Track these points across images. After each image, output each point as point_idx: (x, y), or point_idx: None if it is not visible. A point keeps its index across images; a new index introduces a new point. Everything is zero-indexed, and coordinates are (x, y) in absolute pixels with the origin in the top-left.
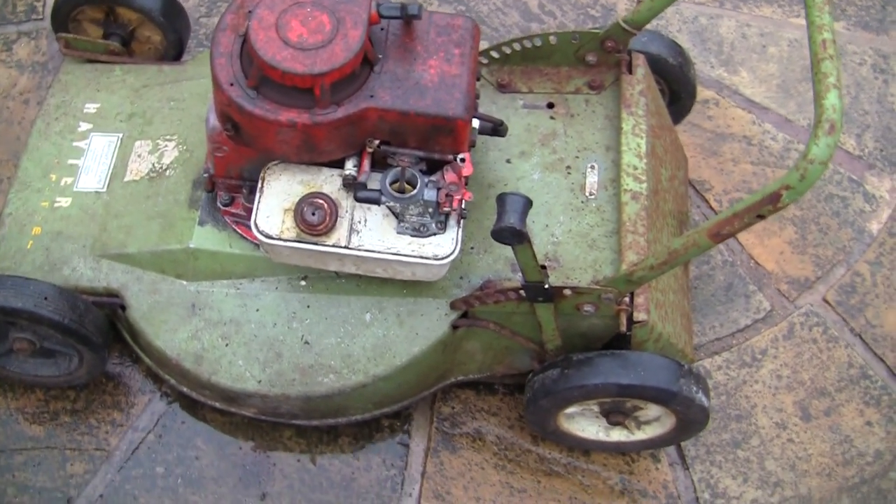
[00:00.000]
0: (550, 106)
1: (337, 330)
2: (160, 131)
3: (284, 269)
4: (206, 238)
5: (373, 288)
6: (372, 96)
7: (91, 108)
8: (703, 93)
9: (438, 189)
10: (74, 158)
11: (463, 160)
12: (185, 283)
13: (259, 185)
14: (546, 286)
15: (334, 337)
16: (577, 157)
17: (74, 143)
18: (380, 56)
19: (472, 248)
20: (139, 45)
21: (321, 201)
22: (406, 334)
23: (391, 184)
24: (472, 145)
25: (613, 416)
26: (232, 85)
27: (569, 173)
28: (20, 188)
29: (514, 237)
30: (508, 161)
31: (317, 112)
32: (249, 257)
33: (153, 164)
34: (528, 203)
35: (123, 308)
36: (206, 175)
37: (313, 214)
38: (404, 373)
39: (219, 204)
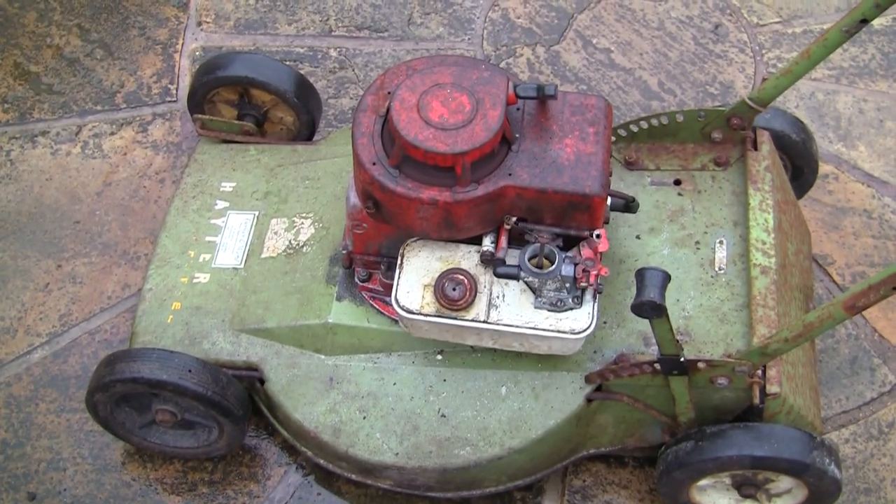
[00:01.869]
0: (678, 183)
1: (473, 403)
2: (296, 209)
3: (421, 344)
4: (344, 313)
5: (508, 362)
6: (510, 174)
7: (227, 186)
8: (822, 167)
9: (575, 265)
10: (212, 235)
11: (598, 236)
12: (323, 357)
13: (399, 262)
14: (682, 359)
15: (470, 410)
16: (706, 232)
17: (212, 221)
18: (517, 135)
19: (605, 322)
20: (272, 125)
21: (461, 276)
22: (541, 407)
23: (529, 259)
24: (607, 221)
25: (745, 488)
26: (374, 164)
27: (698, 248)
28: (159, 264)
29: (654, 311)
30: (638, 237)
31: (457, 190)
32: (387, 332)
33: (290, 241)
34: (668, 278)
35: (262, 381)
36: (344, 251)
37: (454, 290)
38: (539, 445)
39: (356, 280)
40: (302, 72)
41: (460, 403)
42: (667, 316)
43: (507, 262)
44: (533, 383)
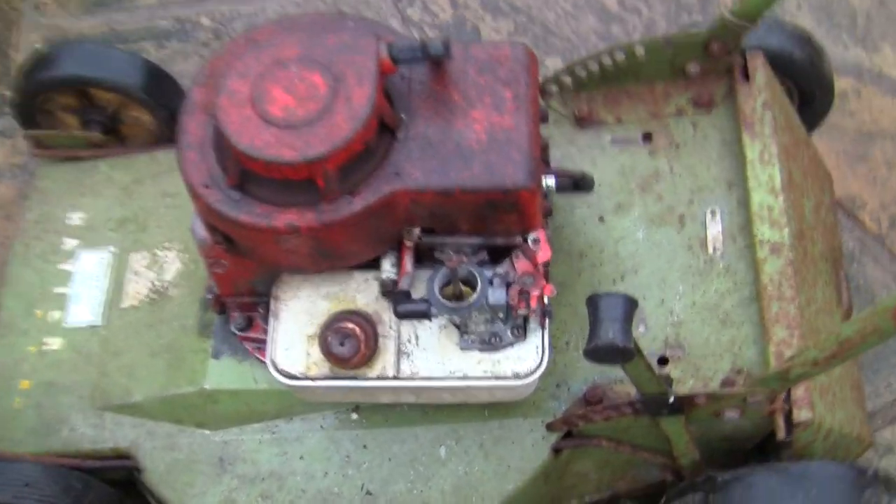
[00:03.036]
0: (647, 138)
1: (405, 472)
2: (157, 238)
3: (329, 403)
4: (224, 374)
5: (444, 414)
6: (398, 174)
7: (75, 218)
8: (837, 83)
9: (508, 285)
10: (61, 286)
11: (536, 241)
12: (207, 433)
13: (272, 308)
14: (670, 399)
15: (403, 482)
16: (692, 201)
17: (60, 266)
18: (403, 116)
19: (567, 342)
20: (128, 128)
21: (350, 325)
22: (494, 469)
23: (442, 288)
24: (548, 214)
25: None
26: (208, 187)
27: (683, 225)
28: (2, 332)
29: (618, 356)
30: (602, 219)
31: (324, 208)
32: (282, 393)
33: (153, 283)
34: (632, 305)
35: (139, 471)
36: (209, 296)
37: (342, 345)
38: None
39: (233, 329)
40: (169, 50)
41: (389, 474)
42: (639, 354)
43: (417, 292)
44: (480, 438)
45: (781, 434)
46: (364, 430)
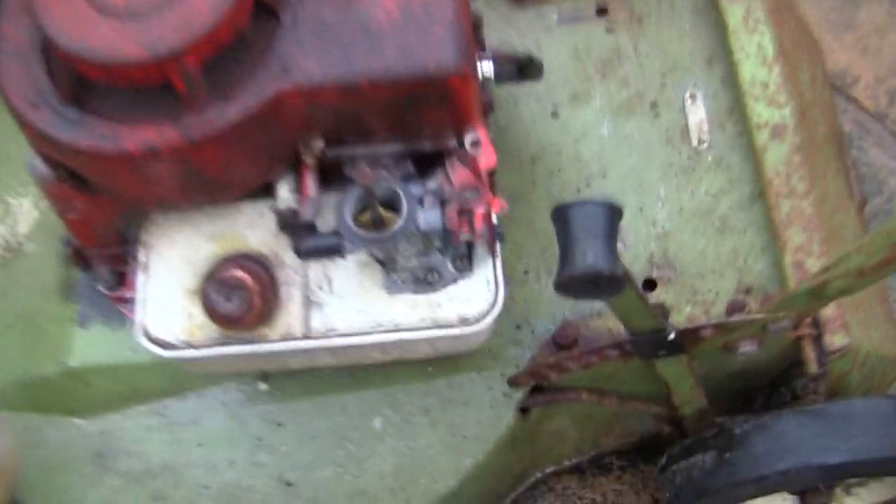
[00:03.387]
0: (602, 12)
1: (332, 454)
2: (9, 183)
3: (230, 374)
4: (94, 346)
5: (376, 376)
6: (286, 69)
7: None
8: None
9: (443, 204)
10: None
11: (477, 142)
12: (80, 422)
13: (140, 258)
14: (669, 336)
15: (330, 466)
16: (664, 84)
17: None
18: None
19: (525, 271)
20: None
21: (239, 274)
22: (446, 440)
23: (357, 214)
24: (489, 109)
25: (812, 496)
26: (36, 106)
27: (656, 114)
28: None
29: (603, 287)
30: (555, 114)
31: (189, 122)
32: (169, 365)
33: (5, 239)
34: (615, 215)
35: None
36: (66, 248)
37: (228, 301)
38: (455, 499)
39: (101, 288)
40: None
41: (312, 458)
42: (631, 284)
43: (323, 225)
44: (425, 403)
45: (813, 366)
46: (277, 405)
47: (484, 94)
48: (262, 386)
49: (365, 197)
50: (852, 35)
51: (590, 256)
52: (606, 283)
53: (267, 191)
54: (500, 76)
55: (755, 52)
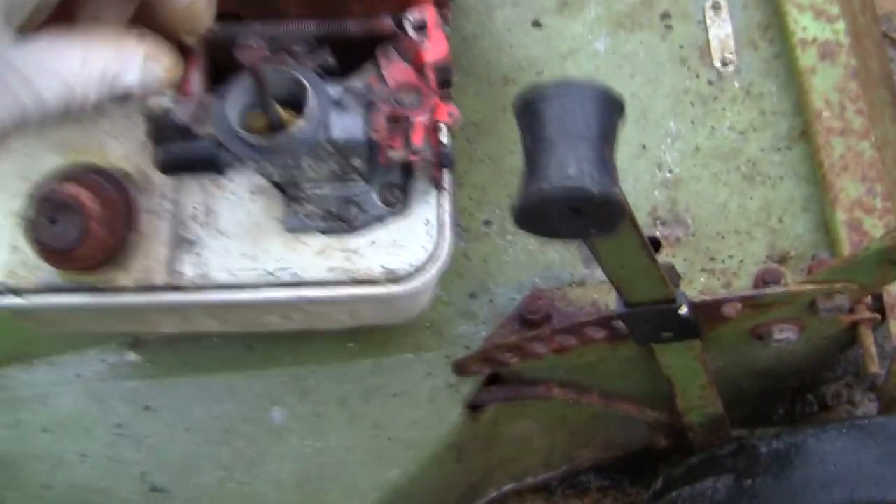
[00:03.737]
0: None
1: (215, 453)
2: None
3: (90, 336)
4: None
5: (279, 351)
6: None
7: None
8: None
9: (369, 107)
10: None
11: (422, 25)
12: None
13: None
14: (681, 310)
15: (211, 470)
16: None
17: None
18: None
19: (487, 221)
20: None
21: (71, 190)
22: (367, 443)
23: (245, 111)
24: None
25: None
26: None
27: (669, 28)
28: None
29: (594, 218)
30: (537, 23)
31: None
32: (8, 320)
33: None
34: (613, 108)
35: None
36: None
37: (53, 224)
38: None
39: None
40: None
41: (187, 457)
42: (632, 222)
43: (201, 126)
44: (341, 391)
45: (873, 363)
46: (147, 382)
47: None
48: (131, 356)
49: (255, 87)
50: None
51: (571, 166)
52: (595, 211)
53: None
54: None
55: None
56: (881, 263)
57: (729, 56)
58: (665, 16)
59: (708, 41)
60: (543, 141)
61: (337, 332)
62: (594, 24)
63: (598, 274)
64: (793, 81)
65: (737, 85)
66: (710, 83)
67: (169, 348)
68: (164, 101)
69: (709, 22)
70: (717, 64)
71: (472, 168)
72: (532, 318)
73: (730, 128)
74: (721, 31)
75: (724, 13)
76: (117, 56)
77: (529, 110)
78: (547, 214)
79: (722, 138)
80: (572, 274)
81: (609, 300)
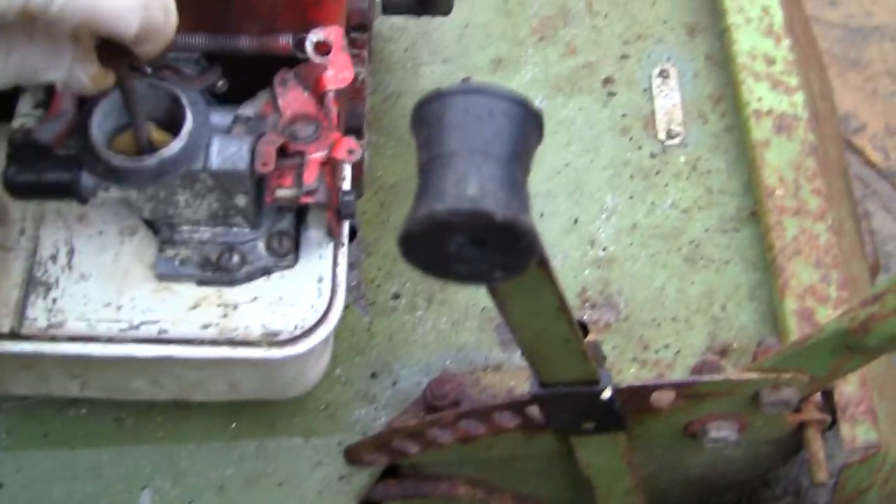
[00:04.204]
0: None
1: None
2: None
3: None
4: None
5: (154, 425)
6: None
7: None
8: None
9: (259, 138)
10: None
11: (323, 46)
12: None
13: None
14: (605, 393)
15: None
16: (626, 56)
17: None
18: None
19: (396, 294)
20: None
21: None
22: None
23: (115, 132)
24: (363, 22)
25: None
26: None
27: (611, 94)
28: None
29: (499, 249)
30: (469, 80)
31: None
32: None
33: None
34: (528, 119)
35: None
36: None
37: None
38: None
39: None
40: None
41: None
42: (546, 265)
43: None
44: (218, 474)
45: (821, 472)
46: (0, 454)
47: (356, 2)
48: None
49: (124, 99)
50: (858, 75)
51: (472, 184)
52: (498, 242)
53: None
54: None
55: (758, 17)
56: (837, 350)
57: (675, 128)
58: (608, 81)
59: (653, 111)
60: (442, 155)
61: (218, 408)
62: (530, 85)
63: (517, 358)
64: (744, 157)
65: (682, 159)
66: (652, 156)
67: (27, 415)
68: (28, 121)
69: (655, 91)
70: (662, 136)
71: (384, 236)
72: (438, 404)
73: (672, 205)
74: (668, 101)
75: (673, 82)
76: (44, 53)
77: (427, 117)
78: (440, 245)
79: (663, 216)
80: (487, 357)
81: (527, 387)
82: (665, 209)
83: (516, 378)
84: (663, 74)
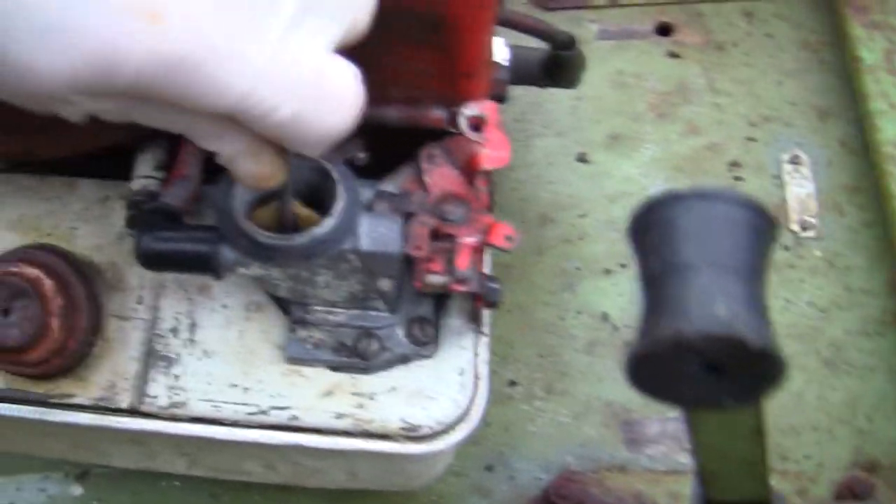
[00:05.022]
0: (664, 31)
1: None
2: None
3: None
4: None
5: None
6: None
7: None
8: None
9: (408, 218)
10: None
11: (479, 121)
12: None
13: None
14: None
15: None
16: (752, 138)
17: None
18: None
19: (513, 383)
20: None
21: (29, 273)
22: None
23: (257, 203)
24: (500, 98)
25: None
26: None
27: (738, 178)
28: None
29: (749, 376)
30: (584, 159)
31: None
32: None
33: None
34: (769, 231)
35: None
36: None
37: (4, 314)
38: None
39: None
40: None
41: None
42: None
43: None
44: None
45: None
46: None
47: (498, 74)
48: (77, 489)
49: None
50: None
51: (720, 305)
52: (743, 370)
53: (122, 165)
54: (520, 69)
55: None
56: None
57: (809, 219)
58: (734, 165)
59: (784, 200)
60: (678, 266)
61: (322, 491)
62: (650, 165)
63: (644, 459)
64: (886, 255)
65: (818, 254)
66: (786, 248)
67: (121, 485)
68: (150, 184)
69: (786, 178)
70: (796, 227)
71: (499, 318)
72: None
73: (809, 303)
74: (801, 189)
75: (806, 170)
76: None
77: (658, 221)
78: (672, 367)
79: (799, 314)
80: (612, 456)
81: (657, 494)
82: (801, 307)
83: (644, 481)
84: (795, 161)
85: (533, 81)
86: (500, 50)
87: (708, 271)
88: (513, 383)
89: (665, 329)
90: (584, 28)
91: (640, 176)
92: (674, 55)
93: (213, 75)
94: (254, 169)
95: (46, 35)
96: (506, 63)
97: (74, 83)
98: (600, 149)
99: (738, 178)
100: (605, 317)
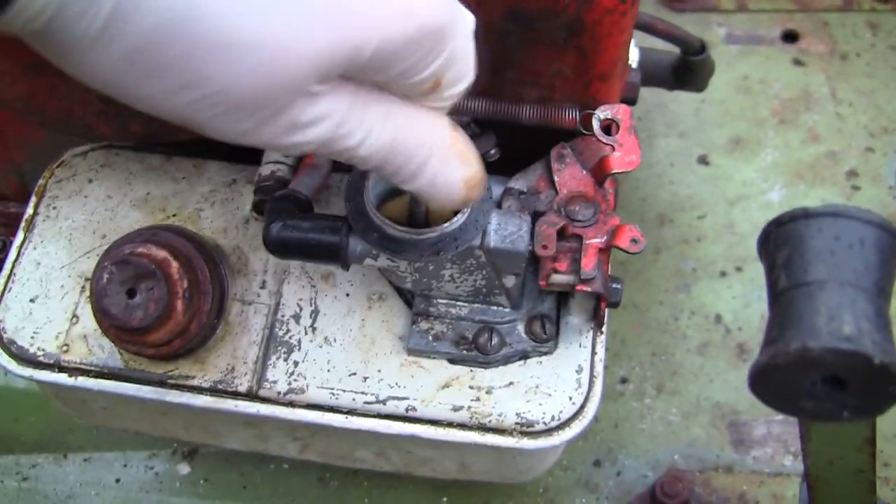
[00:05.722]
0: (791, 38)
1: None
2: None
3: (138, 435)
4: None
5: (359, 490)
6: None
7: None
8: None
9: (536, 217)
10: None
11: (611, 124)
12: None
13: (25, 220)
14: None
15: None
16: (872, 149)
17: None
18: None
19: (624, 381)
20: None
21: (158, 254)
22: None
23: (386, 196)
24: (632, 102)
25: None
26: None
27: (855, 188)
28: None
29: (861, 396)
30: (705, 161)
31: None
32: (41, 396)
33: None
34: (892, 242)
35: None
36: None
37: (126, 294)
38: None
39: None
40: None
41: None
42: None
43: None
44: None
45: None
46: (196, 502)
47: (631, 74)
48: (184, 468)
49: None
50: None
51: (848, 322)
52: (865, 386)
53: (250, 149)
54: (651, 70)
55: None
56: None
57: None
58: (852, 174)
59: None
60: (808, 283)
61: (430, 479)
62: (769, 170)
63: (750, 461)
64: None
65: None
66: None
67: (229, 465)
68: (279, 170)
69: None
70: None
71: (613, 315)
72: (665, 502)
73: None
74: None
75: None
76: (417, 127)
77: (789, 237)
78: (795, 380)
79: None
80: (718, 456)
81: (760, 495)
82: None
83: (749, 482)
84: None
85: (662, 84)
86: (632, 52)
87: (835, 288)
88: (624, 380)
89: (792, 342)
90: (711, 31)
91: (759, 180)
92: (799, 63)
93: (453, 37)
94: (461, 170)
95: (310, 15)
96: (636, 65)
97: (332, 58)
98: (722, 151)
99: (855, 188)
100: (718, 318)
